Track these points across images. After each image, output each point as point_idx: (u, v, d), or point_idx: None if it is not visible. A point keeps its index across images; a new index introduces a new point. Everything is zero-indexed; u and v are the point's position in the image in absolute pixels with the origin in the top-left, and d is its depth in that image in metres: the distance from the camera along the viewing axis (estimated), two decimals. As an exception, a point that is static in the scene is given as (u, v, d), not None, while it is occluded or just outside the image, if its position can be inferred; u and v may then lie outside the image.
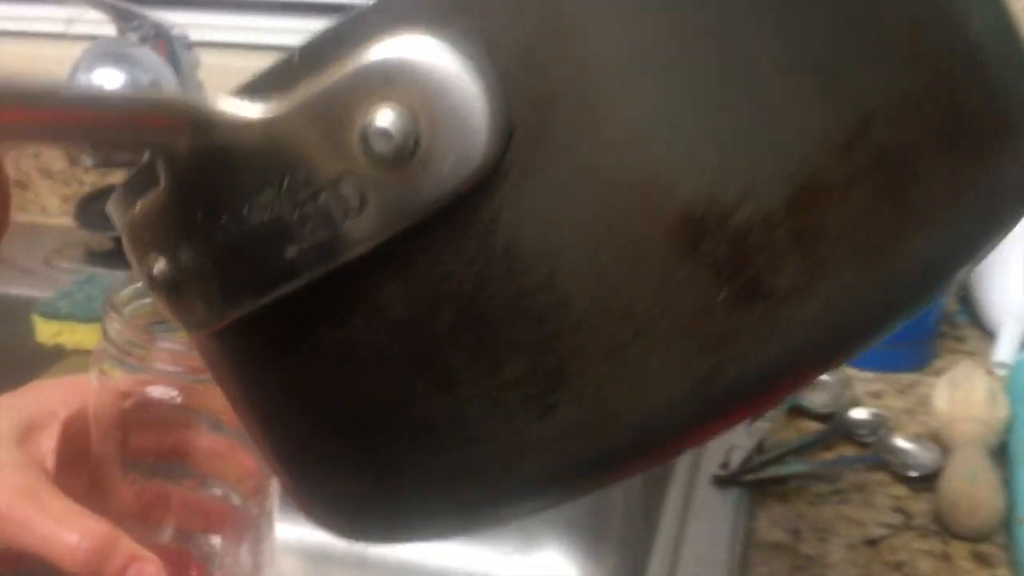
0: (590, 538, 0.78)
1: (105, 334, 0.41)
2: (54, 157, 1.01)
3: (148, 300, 0.43)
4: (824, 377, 0.69)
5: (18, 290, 0.86)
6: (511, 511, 0.24)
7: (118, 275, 0.85)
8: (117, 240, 0.86)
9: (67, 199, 1.02)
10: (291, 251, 0.21)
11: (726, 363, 0.20)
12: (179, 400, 0.41)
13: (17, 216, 1.04)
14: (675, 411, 0.21)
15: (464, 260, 0.20)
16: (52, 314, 0.75)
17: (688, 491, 0.58)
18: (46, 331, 0.75)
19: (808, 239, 0.20)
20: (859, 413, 0.65)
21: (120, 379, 0.41)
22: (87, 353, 0.75)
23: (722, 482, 0.58)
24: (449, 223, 0.20)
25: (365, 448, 0.23)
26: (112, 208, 0.26)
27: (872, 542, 0.54)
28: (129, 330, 0.40)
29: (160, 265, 0.24)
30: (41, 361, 0.75)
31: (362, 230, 0.21)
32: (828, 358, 0.22)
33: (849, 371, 0.71)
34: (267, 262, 0.22)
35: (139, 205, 0.24)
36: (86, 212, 0.93)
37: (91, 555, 0.37)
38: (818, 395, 0.67)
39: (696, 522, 0.55)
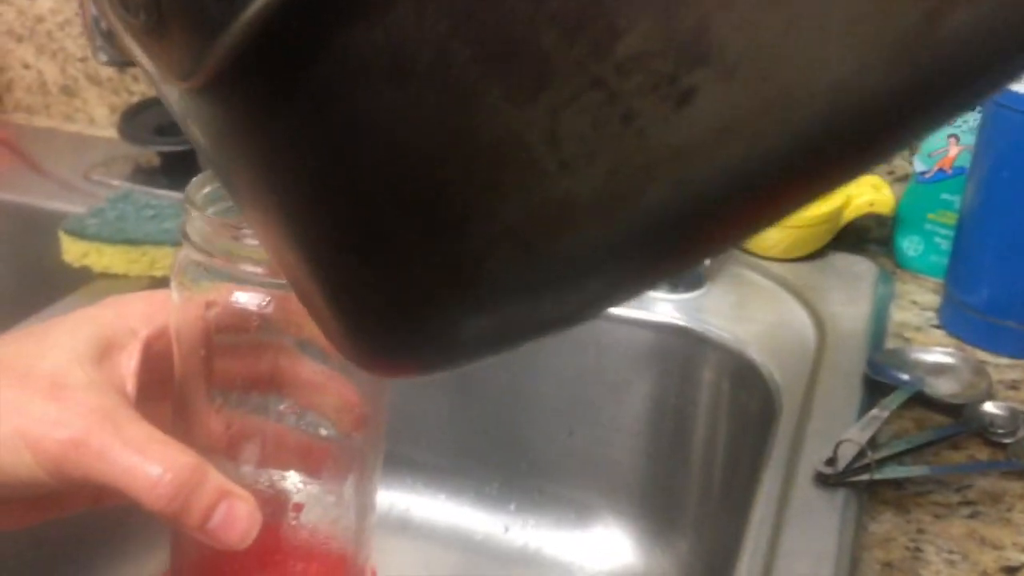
0: (660, 520, 0.70)
1: (185, 236, 0.35)
2: (102, 63, 0.93)
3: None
4: (951, 360, 0.58)
5: (52, 204, 0.80)
6: (624, 285, 0.17)
7: (157, 193, 0.78)
8: (164, 156, 0.79)
9: (115, 109, 0.95)
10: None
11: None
12: (270, 309, 0.35)
13: (64, 125, 0.98)
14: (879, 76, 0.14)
15: None
16: (80, 233, 0.68)
17: (785, 487, 0.49)
18: (73, 251, 0.68)
19: None
20: (994, 407, 0.54)
21: (204, 290, 0.36)
22: (116, 278, 0.69)
23: (827, 481, 0.49)
24: None
25: (430, 207, 0.17)
26: None
27: (1013, 570, 0.44)
28: (212, 227, 0.34)
29: None
30: (66, 282, 0.69)
31: None
32: None
33: (981, 355, 0.60)
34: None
35: None
36: (130, 124, 0.86)
37: (176, 490, 0.32)
38: (944, 382, 0.56)
39: (794, 526, 0.46)
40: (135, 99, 0.93)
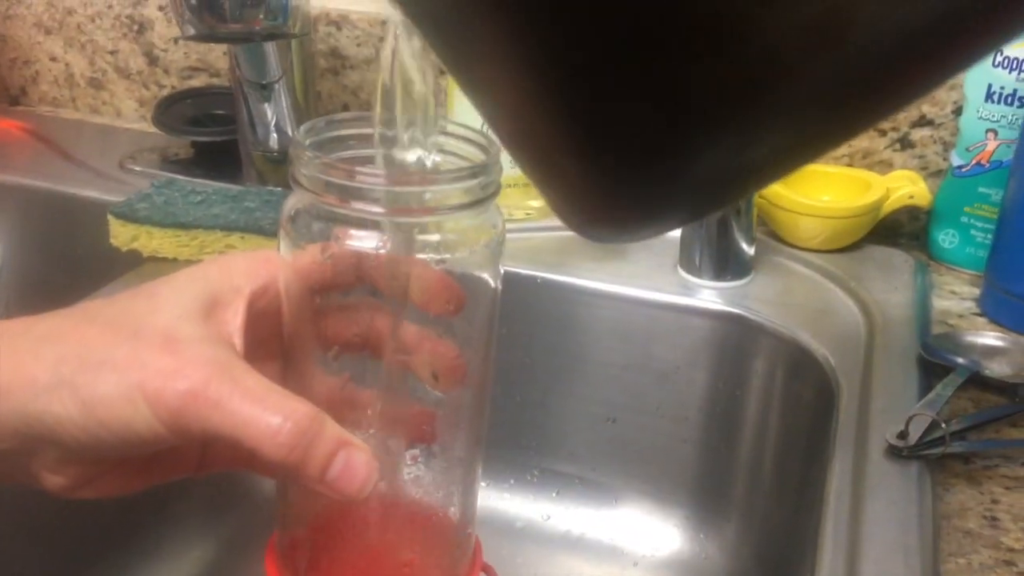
0: (706, 507, 0.70)
1: (295, 181, 0.34)
2: (133, 54, 0.93)
3: (337, 132, 0.36)
4: (1002, 343, 0.60)
5: (91, 192, 0.80)
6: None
7: (202, 182, 0.78)
8: (197, 146, 0.80)
9: (144, 103, 0.95)
10: None
11: None
12: (386, 250, 0.34)
13: (90, 117, 0.97)
14: None
15: None
16: (129, 217, 0.68)
17: (858, 462, 0.50)
18: (122, 235, 0.68)
19: None
20: (1049, 387, 0.56)
21: (317, 236, 0.35)
22: (164, 261, 0.69)
23: (900, 454, 0.50)
24: None
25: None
26: None
27: (1087, 538, 0.45)
28: (326, 168, 0.33)
29: None
30: (114, 267, 0.68)
31: None
32: None
33: (1025, 340, 0.62)
34: None
35: None
36: (165, 115, 0.86)
37: (295, 438, 0.31)
38: (998, 364, 0.58)
39: (873, 497, 0.47)
40: (164, 92, 0.93)
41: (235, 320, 0.36)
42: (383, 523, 0.39)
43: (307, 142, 0.35)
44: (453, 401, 0.39)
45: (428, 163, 0.35)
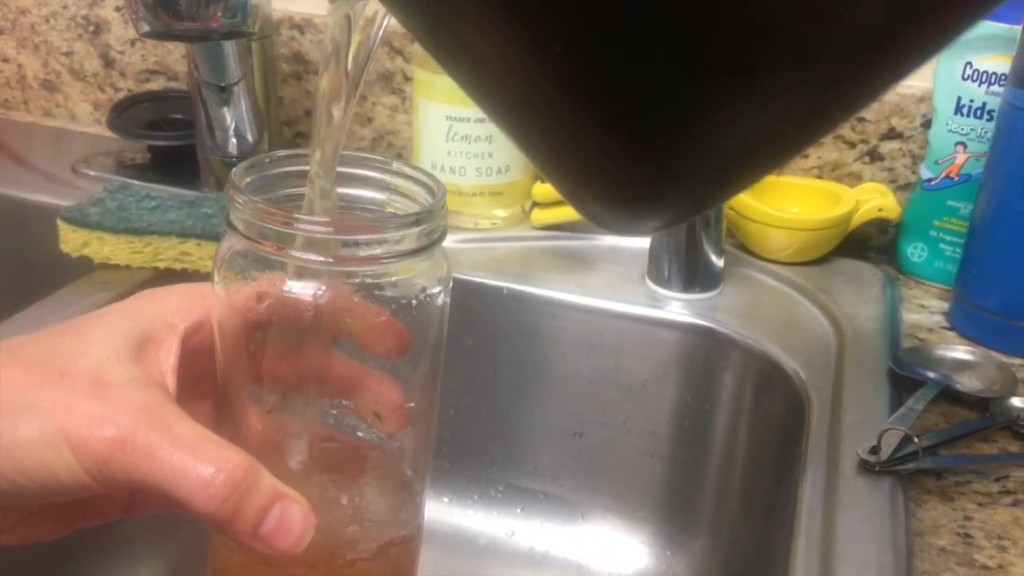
0: (673, 523, 0.69)
1: (230, 225, 0.32)
2: (88, 56, 0.91)
3: (275, 171, 0.35)
4: (972, 357, 0.59)
5: (41, 197, 0.77)
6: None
7: (158, 187, 0.75)
8: (154, 150, 0.77)
9: (99, 106, 0.92)
10: None
11: None
12: (325, 299, 0.33)
13: (43, 120, 0.94)
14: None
15: None
16: (80, 221, 0.65)
17: (830, 477, 0.49)
18: (72, 240, 0.65)
19: None
20: (1020, 402, 0.55)
21: (252, 281, 0.33)
22: (116, 269, 0.67)
23: (872, 470, 0.49)
24: None
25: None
26: None
27: (1062, 556, 0.45)
28: (262, 213, 0.31)
29: None
30: (63, 274, 0.66)
31: None
32: None
33: (994, 355, 0.61)
34: None
35: None
36: (121, 118, 0.84)
37: (228, 490, 0.30)
38: (968, 378, 0.57)
39: (845, 513, 0.46)
40: (121, 95, 0.90)
41: (168, 359, 0.34)
42: (321, 570, 0.36)
43: (243, 183, 0.33)
44: (394, 441, 0.38)
45: (323, 205, 0.33)
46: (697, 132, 0.16)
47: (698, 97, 0.16)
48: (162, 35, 0.63)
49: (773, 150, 0.18)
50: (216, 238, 0.65)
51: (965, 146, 0.68)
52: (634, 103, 0.16)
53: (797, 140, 0.18)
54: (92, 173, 0.81)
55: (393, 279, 0.34)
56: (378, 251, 0.32)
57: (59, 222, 0.66)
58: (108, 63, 0.90)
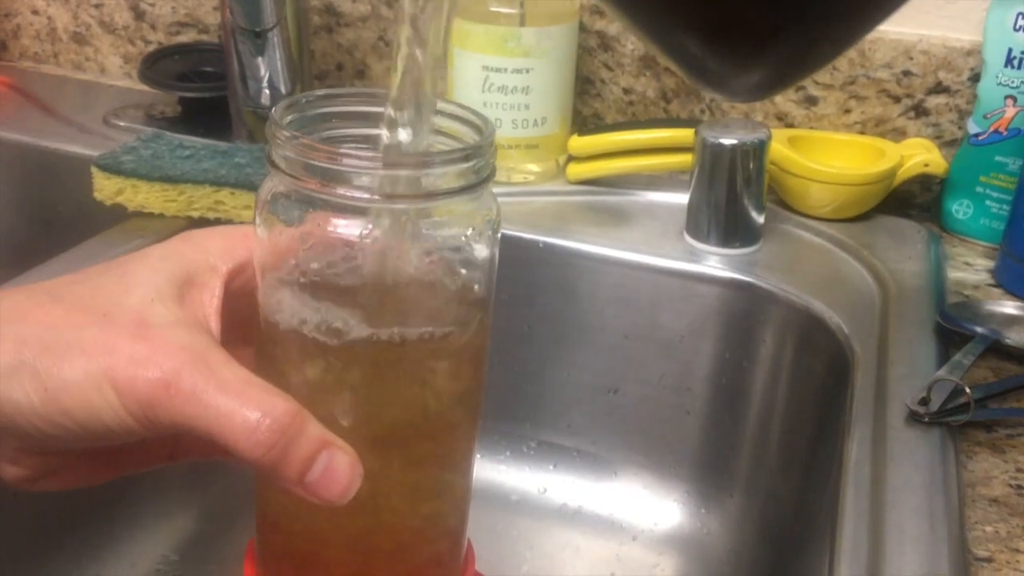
0: (707, 480, 0.68)
1: (272, 164, 0.31)
2: (119, 8, 0.90)
3: (316, 111, 0.33)
4: (1022, 313, 0.58)
5: (74, 147, 0.77)
6: None
7: (189, 138, 0.75)
8: (185, 102, 0.76)
9: (129, 59, 0.92)
10: None
11: None
12: (371, 238, 0.31)
13: (73, 73, 0.94)
14: None
15: None
16: (114, 169, 0.65)
17: (878, 428, 0.48)
18: (107, 188, 0.65)
19: None
20: (1071, 357, 0.54)
21: (295, 221, 0.32)
22: (149, 217, 0.66)
23: (921, 420, 0.48)
24: None
25: None
26: None
27: (1118, 509, 0.43)
28: (306, 150, 0.30)
29: None
30: (97, 223, 0.65)
31: None
32: None
33: (1044, 311, 0.60)
34: None
35: None
36: (152, 70, 0.83)
37: (274, 436, 0.29)
38: (1018, 332, 0.56)
39: (895, 463, 0.45)
40: (151, 48, 0.90)
41: (211, 302, 0.33)
42: (370, 532, 0.35)
43: (285, 121, 0.32)
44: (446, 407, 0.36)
45: (422, 145, 0.32)
46: None
47: None
48: None
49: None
50: (251, 187, 0.65)
51: (1015, 99, 0.66)
52: None
53: None
54: (123, 124, 0.81)
55: (440, 219, 0.33)
56: (425, 187, 0.31)
57: (93, 169, 0.65)
58: (139, 15, 0.90)
